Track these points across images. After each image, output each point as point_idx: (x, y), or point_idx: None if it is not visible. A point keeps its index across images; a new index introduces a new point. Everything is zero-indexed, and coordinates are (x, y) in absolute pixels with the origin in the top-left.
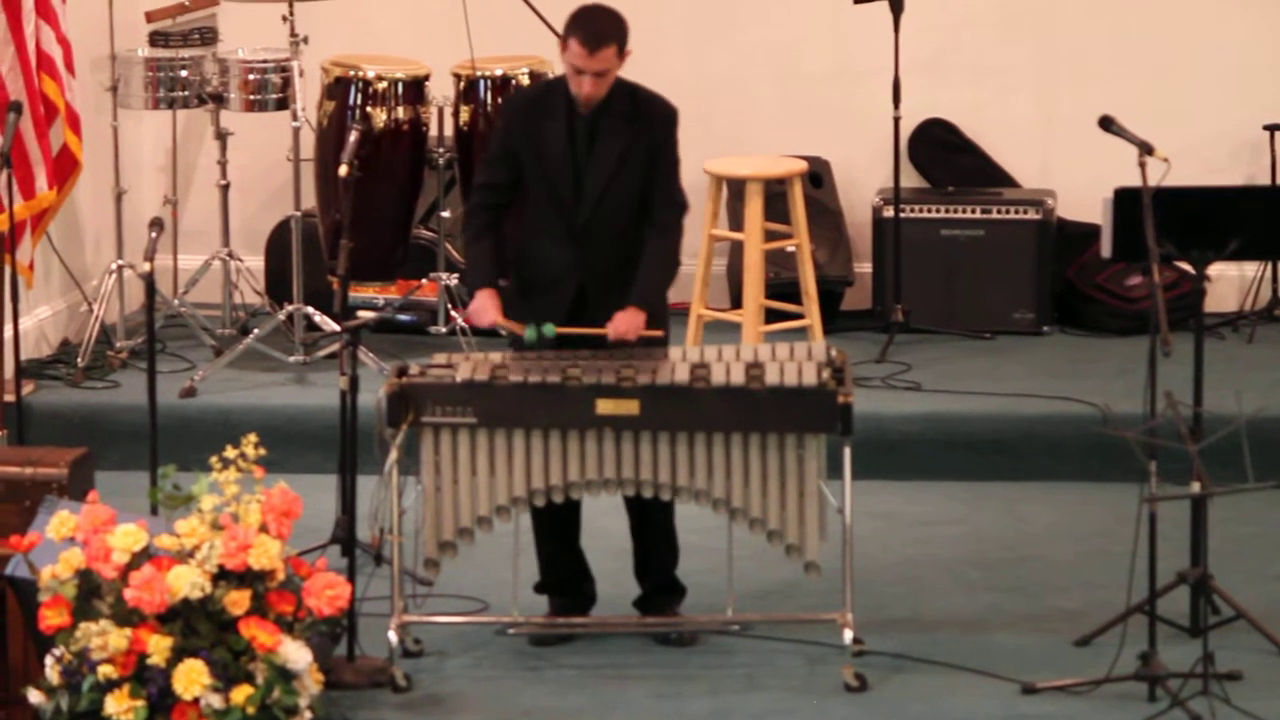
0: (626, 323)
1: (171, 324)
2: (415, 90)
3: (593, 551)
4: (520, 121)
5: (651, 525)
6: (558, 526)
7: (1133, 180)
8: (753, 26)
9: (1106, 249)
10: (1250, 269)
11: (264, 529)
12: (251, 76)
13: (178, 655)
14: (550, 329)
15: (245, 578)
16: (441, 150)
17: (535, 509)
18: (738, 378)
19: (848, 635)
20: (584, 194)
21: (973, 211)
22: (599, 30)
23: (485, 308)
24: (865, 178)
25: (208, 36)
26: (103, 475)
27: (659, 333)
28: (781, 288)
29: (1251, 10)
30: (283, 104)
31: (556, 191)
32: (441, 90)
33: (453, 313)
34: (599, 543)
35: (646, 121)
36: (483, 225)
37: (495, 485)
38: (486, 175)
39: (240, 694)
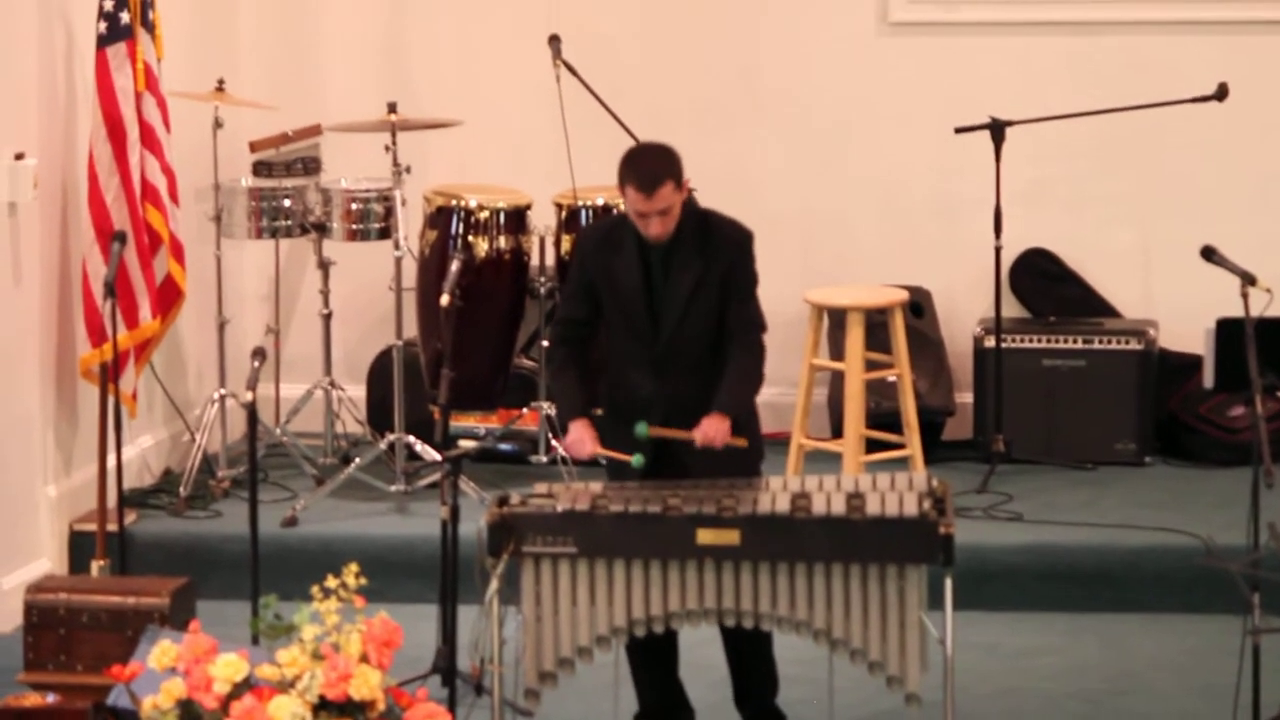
0: (713, 427)
1: (273, 453)
2: (517, 219)
3: (692, 683)
4: (593, 256)
5: (749, 654)
6: (656, 656)
7: (1235, 310)
8: (854, 157)
9: (1209, 379)
10: None
11: (365, 659)
12: (354, 206)
13: None
14: (642, 428)
15: (346, 708)
16: (543, 279)
17: (632, 638)
18: (839, 508)
19: None
20: (661, 324)
21: (1074, 341)
22: (651, 171)
23: (582, 439)
24: (966, 307)
25: (310, 166)
26: (204, 604)
27: (743, 441)
28: (882, 417)
29: None
30: (385, 233)
31: (634, 322)
32: (543, 219)
33: (554, 442)
34: (699, 674)
35: (719, 248)
36: (566, 358)
37: (596, 615)
38: (566, 310)
39: None
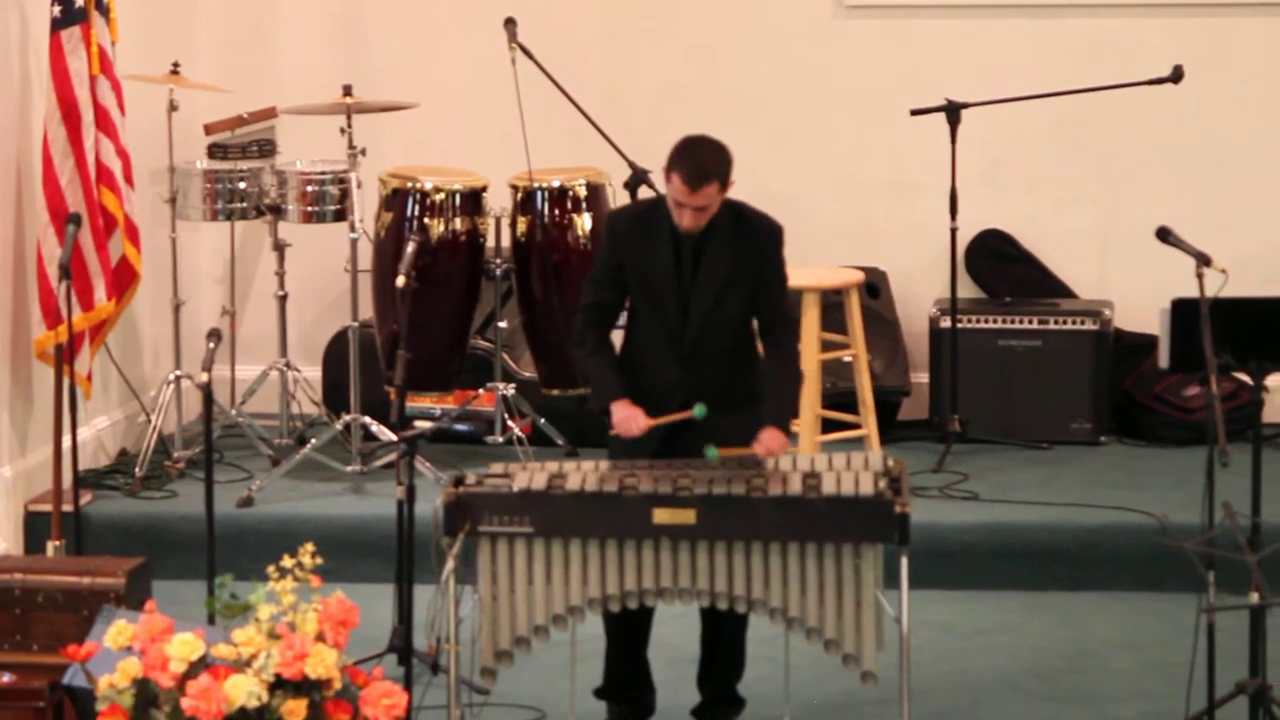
0: (776, 442)
1: (229, 434)
2: (472, 201)
3: (652, 660)
4: (625, 241)
5: (723, 636)
6: (630, 633)
7: (1190, 291)
8: (810, 139)
9: (1164, 359)
10: None
11: (321, 638)
12: (309, 188)
13: None
14: (712, 451)
15: (302, 687)
16: (498, 261)
17: (608, 614)
18: (794, 487)
19: None
20: (690, 315)
21: (1030, 322)
22: (702, 167)
23: (631, 415)
24: (922, 288)
25: (266, 149)
26: (160, 584)
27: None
28: (838, 398)
29: None
30: (340, 215)
31: (662, 312)
32: (499, 201)
33: (509, 422)
34: (658, 652)
35: (752, 240)
36: (597, 341)
37: (552, 594)
38: (594, 295)
39: None
